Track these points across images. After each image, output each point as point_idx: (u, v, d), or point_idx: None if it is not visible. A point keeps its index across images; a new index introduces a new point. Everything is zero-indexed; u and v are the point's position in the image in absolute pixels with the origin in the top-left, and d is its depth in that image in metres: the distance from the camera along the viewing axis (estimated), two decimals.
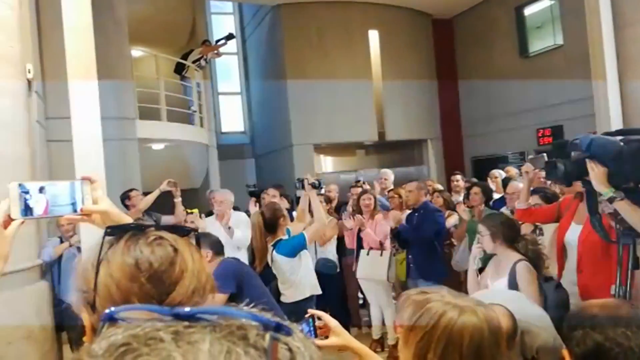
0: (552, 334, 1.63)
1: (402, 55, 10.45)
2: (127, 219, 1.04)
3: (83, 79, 3.74)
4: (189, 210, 4.78)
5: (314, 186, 3.62)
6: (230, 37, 9.21)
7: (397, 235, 4.62)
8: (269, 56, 11.16)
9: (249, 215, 4.78)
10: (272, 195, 4.96)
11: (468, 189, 4.93)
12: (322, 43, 10.01)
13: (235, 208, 4.97)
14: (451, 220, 4.95)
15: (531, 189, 3.38)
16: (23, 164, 3.96)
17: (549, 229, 3.33)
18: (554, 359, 1.62)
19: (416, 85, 10.53)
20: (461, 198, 5.62)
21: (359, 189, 5.36)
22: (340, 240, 5.13)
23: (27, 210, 0.98)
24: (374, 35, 10.38)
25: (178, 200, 4.64)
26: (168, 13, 9.07)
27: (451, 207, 5.30)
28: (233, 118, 13.13)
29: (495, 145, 10.40)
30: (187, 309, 0.38)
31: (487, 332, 1.05)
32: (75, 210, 1.03)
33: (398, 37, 10.44)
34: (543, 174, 4.15)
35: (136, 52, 7.91)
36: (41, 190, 1.00)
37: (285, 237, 3.43)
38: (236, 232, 4.18)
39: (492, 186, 5.45)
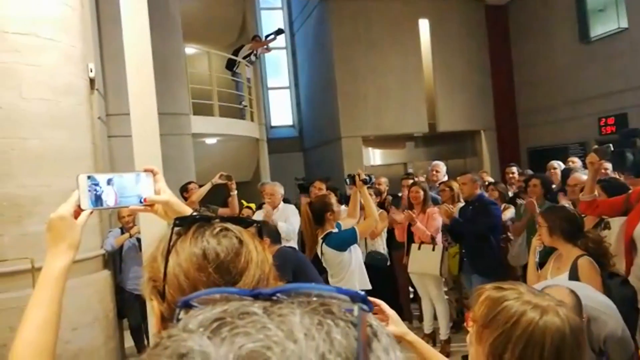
0: (620, 325, 1.54)
1: (454, 43, 10.18)
2: (187, 209, 1.07)
3: (141, 77, 3.88)
4: (245, 204, 4.87)
5: (365, 182, 3.56)
6: (279, 32, 9.28)
7: (449, 228, 4.50)
8: (317, 49, 11.16)
9: (299, 209, 4.81)
10: (318, 188, 4.97)
11: (526, 181, 4.73)
12: (370, 34, 9.90)
13: (286, 200, 5.02)
14: (507, 214, 4.77)
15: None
16: (86, 159, 4.17)
17: (617, 223, 3.14)
18: (623, 354, 1.53)
19: (469, 74, 10.23)
20: (517, 191, 5.42)
21: (410, 181, 5.28)
22: (391, 233, 5.06)
23: (96, 201, 1.01)
24: (424, 25, 10.16)
25: (234, 193, 4.73)
26: (219, 9, 9.25)
27: (506, 199, 5.12)
28: (282, 112, 13.28)
29: (553, 135, 9.92)
30: (267, 289, 0.38)
31: (569, 334, 1.02)
32: (140, 202, 1.06)
33: (449, 25, 10.17)
34: (608, 165, 3.92)
35: (189, 49, 8.12)
36: (109, 182, 1.03)
37: (335, 230, 3.42)
38: (281, 224, 4.22)
39: (551, 178, 5.22)
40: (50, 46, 3.84)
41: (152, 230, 3.90)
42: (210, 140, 8.22)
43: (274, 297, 0.38)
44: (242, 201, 4.92)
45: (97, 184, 1.01)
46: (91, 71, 4.44)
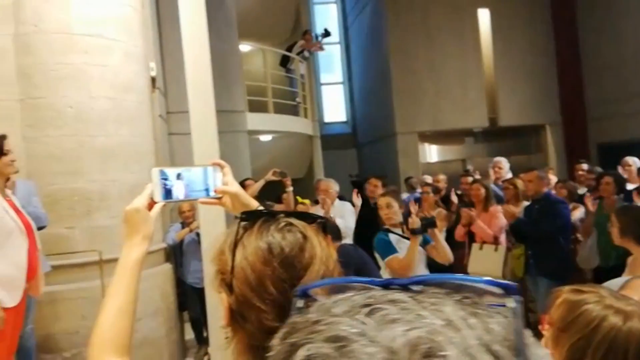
0: None
1: (516, 32, 9.73)
2: (254, 203, 1.08)
3: (199, 76, 3.96)
4: (300, 200, 4.88)
5: (414, 232, 3.03)
6: (326, 34, 9.22)
7: (514, 228, 4.29)
8: (372, 43, 11.03)
9: (353, 205, 4.75)
10: (374, 185, 4.89)
11: (597, 179, 4.44)
12: (427, 26, 9.66)
13: (341, 197, 4.98)
14: (577, 214, 4.50)
15: None
16: (148, 155, 4.31)
17: None
18: None
19: (532, 65, 9.76)
20: (586, 189, 5.10)
21: (469, 178, 5.08)
22: (450, 232, 4.91)
23: (167, 194, 1.04)
24: (484, 14, 9.78)
25: (289, 189, 4.76)
26: (273, 6, 9.33)
27: (575, 198, 4.82)
28: (335, 108, 13.24)
29: (627, 129, 9.20)
30: (400, 278, 0.37)
31: None
32: (208, 195, 1.08)
33: (511, 13, 9.73)
34: None
35: (244, 47, 8.24)
36: (178, 176, 1.06)
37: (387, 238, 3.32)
38: (338, 221, 4.19)
39: (625, 175, 4.87)
40: (115, 46, 3.99)
41: (211, 225, 3.99)
42: (265, 137, 8.32)
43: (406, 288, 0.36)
44: (297, 197, 4.93)
45: (167, 178, 1.04)
46: (152, 70, 4.58)
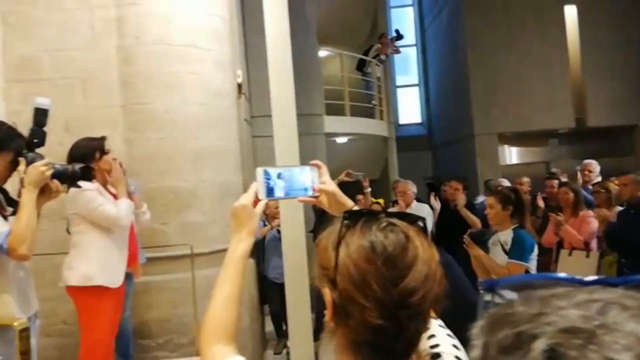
0: None
1: (605, 28, 9.11)
2: (349, 202, 1.13)
3: (282, 81, 4.15)
4: (374, 200, 4.93)
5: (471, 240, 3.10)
6: (398, 37, 9.17)
7: (608, 234, 4.05)
8: (449, 44, 10.82)
9: (431, 208, 4.73)
10: (455, 188, 4.82)
11: None
12: (509, 24, 9.32)
13: (418, 200, 4.97)
14: None
15: None
16: (235, 157, 4.57)
17: None
18: None
19: (623, 62, 9.09)
20: None
21: (555, 181, 4.86)
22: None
23: (270, 192, 1.10)
24: (570, 11, 9.26)
25: (367, 190, 4.83)
26: (351, 11, 9.45)
27: None
28: (411, 110, 13.11)
29: None
30: (590, 277, 0.39)
31: None
32: (306, 194, 1.13)
33: (600, 9, 9.13)
34: None
35: (323, 52, 8.42)
36: (279, 175, 1.12)
37: None
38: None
39: None
40: (206, 55, 4.27)
41: (291, 224, 4.16)
42: (341, 140, 8.44)
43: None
44: (371, 198, 4.98)
45: (269, 177, 1.10)
46: (239, 77, 4.85)
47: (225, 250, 3.77)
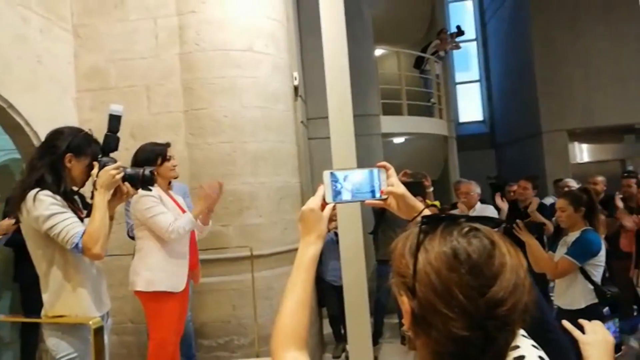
0: None
1: None
2: (419, 204, 1.09)
3: (339, 82, 4.11)
4: (429, 202, 4.77)
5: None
6: (459, 32, 8.87)
7: None
8: (512, 37, 10.36)
9: (497, 209, 4.52)
10: (523, 188, 4.58)
11: None
12: (577, 14, 8.79)
13: (481, 201, 4.76)
14: None
15: None
16: (292, 159, 4.59)
17: None
18: None
19: None
20: None
21: (633, 180, 4.50)
22: (611, 240, 4.39)
23: (337, 195, 1.08)
24: None
25: (429, 190, 4.70)
26: (408, 8, 9.27)
27: None
28: (471, 107, 12.70)
29: None
30: None
31: None
32: (373, 196, 1.10)
33: None
34: None
35: (379, 50, 8.32)
36: (346, 178, 1.09)
37: None
38: None
39: None
40: (263, 59, 4.32)
41: (349, 226, 4.11)
42: (398, 140, 8.30)
43: None
44: (427, 200, 4.82)
45: (337, 180, 1.08)
46: (295, 79, 4.86)
47: (283, 252, 3.79)
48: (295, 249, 3.92)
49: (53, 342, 2.05)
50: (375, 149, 7.19)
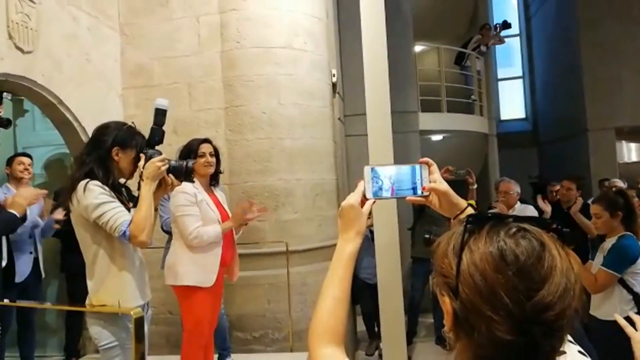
0: None
1: None
2: (462, 202, 1.06)
3: (377, 79, 4.09)
4: (467, 202, 4.67)
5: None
6: (505, 26, 8.61)
7: None
8: (558, 32, 9.99)
9: (538, 210, 4.39)
10: (567, 188, 4.42)
11: None
12: (627, 9, 8.39)
13: (522, 201, 4.63)
14: None
15: None
16: (329, 156, 4.60)
17: None
18: None
19: None
20: None
21: None
22: None
23: (377, 191, 1.07)
24: None
25: (473, 187, 4.61)
26: (450, 2, 9.08)
27: None
28: (513, 105, 12.34)
29: None
30: None
31: None
32: (415, 193, 1.08)
33: None
34: None
35: (418, 46, 8.20)
36: (386, 174, 1.07)
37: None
38: None
39: None
40: (302, 56, 4.34)
41: (385, 223, 4.09)
42: (436, 137, 8.17)
43: None
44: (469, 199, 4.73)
45: (377, 176, 1.06)
46: (334, 76, 4.86)
47: (318, 248, 3.81)
48: (330, 246, 3.98)
49: (95, 330, 2.14)
50: (412, 147, 7.11)
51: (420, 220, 5.10)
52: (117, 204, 2.08)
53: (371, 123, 4.17)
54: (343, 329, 0.94)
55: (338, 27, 6.02)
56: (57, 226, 3.50)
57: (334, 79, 4.85)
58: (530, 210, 4.27)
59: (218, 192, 3.12)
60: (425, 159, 1.09)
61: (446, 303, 0.73)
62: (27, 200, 2.75)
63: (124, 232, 2.03)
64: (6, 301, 2.74)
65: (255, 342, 4.12)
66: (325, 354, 0.89)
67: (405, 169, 1.08)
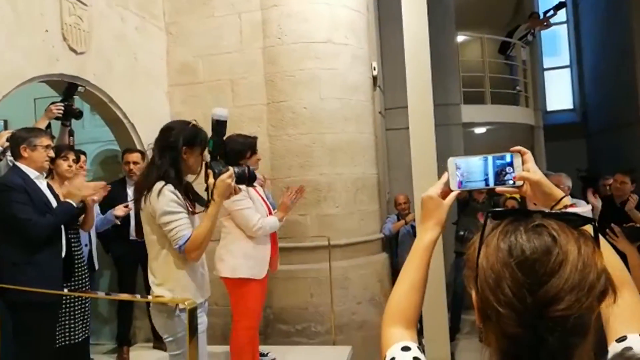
0: None
1: None
2: (558, 192, 1.02)
3: (419, 72, 4.03)
4: (508, 195, 4.56)
5: None
6: (560, 6, 8.27)
7: None
8: (609, 18, 9.53)
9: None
10: (620, 182, 4.23)
11: None
12: None
13: (572, 195, 4.47)
14: None
15: None
16: (370, 150, 4.57)
17: None
18: None
19: None
20: None
21: None
22: None
23: (462, 183, 1.05)
24: None
25: None
26: None
27: None
28: (560, 95, 11.87)
29: None
30: None
31: None
32: (504, 183, 1.05)
33: None
34: None
35: (461, 36, 8.01)
36: (473, 164, 1.05)
37: None
38: None
39: None
40: (343, 50, 4.33)
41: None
42: (480, 130, 7.97)
43: None
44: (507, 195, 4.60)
45: (461, 168, 1.05)
46: (374, 69, 4.82)
47: (359, 243, 3.83)
48: (372, 240, 3.97)
49: (160, 323, 2.22)
50: (454, 139, 6.98)
51: (465, 214, 5.01)
52: (184, 214, 2.14)
53: (413, 116, 4.13)
54: (415, 314, 0.96)
55: (378, 18, 5.96)
56: (117, 222, 3.63)
57: (375, 72, 4.81)
58: (582, 205, 4.09)
59: (259, 188, 3.18)
60: (518, 147, 1.05)
61: (473, 296, 0.74)
62: (81, 190, 2.86)
63: (180, 247, 2.11)
64: (66, 291, 2.87)
65: (298, 334, 4.17)
66: (395, 333, 0.92)
67: (494, 158, 1.05)
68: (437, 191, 1.04)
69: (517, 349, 0.68)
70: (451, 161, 1.05)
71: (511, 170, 1.04)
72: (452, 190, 1.05)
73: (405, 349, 0.85)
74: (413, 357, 0.83)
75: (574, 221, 0.72)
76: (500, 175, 1.05)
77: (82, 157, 3.57)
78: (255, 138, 3.11)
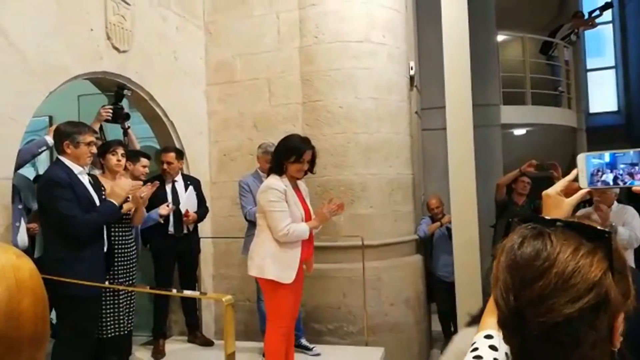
0: None
1: None
2: None
3: (458, 72, 3.94)
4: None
5: None
6: (606, 6, 7.95)
7: None
8: None
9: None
10: None
11: None
12: None
13: (618, 201, 4.28)
14: None
15: None
16: (405, 151, 4.51)
17: None
18: None
19: None
20: None
21: None
22: None
23: (593, 180, 1.00)
24: None
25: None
26: None
27: None
28: (604, 97, 11.44)
29: None
30: None
31: None
32: (624, 183, 0.98)
33: None
34: None
35: (501, 36, 7.82)
36: (606, 161, 0.99)
37: None
38: (620, 229, 3.57)
39: None
40: (380, 49, 4.28)
41: (463, 221, 3.96)
42: (519, 131, 7.76)
43: None
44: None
45: (593, 164, 1.00)
46: (411, 69, 4.76)
47: (393, 244, 3.81)
48: (407, 242, 3.93)
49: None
50: (493, 141, 6.82)
51: (503, 217, 4.88)
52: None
53: (451, 117, 4.05)
54: None
55: (416, 17, 5.88)
56: (161, 220, 3.70)
57: (412, 72, 4.74)
58: (630, 211, 3.91)
59: (302, 186, 3.14)
60: None
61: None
62: (125, 190, 2.92)
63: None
64: (106, 283, 2.94)
65: (330, 334, 4.15)
66: (488, 322, 0.92)
67: (631, 155, 0.98)
68: (559, 189, 1.00)
69: (521, 349, 0.70)
70: (582, 157, 0.99)
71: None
72: (580, 188, 0.99)
73: (488, 337, 0.86)
74: (489, 346, 0.84)
75: (588, 233, 0.71)
76: (631, 175, 0.98)
77: (145, 161, 3.62)
78: (306, 147, 2.95)
